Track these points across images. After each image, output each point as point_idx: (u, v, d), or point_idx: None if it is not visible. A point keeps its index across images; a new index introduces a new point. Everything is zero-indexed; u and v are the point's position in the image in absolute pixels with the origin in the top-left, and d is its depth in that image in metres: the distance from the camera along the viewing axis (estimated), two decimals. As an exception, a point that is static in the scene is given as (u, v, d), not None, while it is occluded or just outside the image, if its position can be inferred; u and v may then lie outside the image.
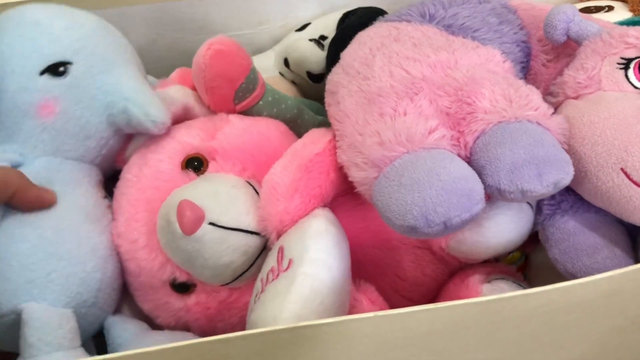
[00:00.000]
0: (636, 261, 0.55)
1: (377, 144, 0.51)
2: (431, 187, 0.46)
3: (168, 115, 0.60)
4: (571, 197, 0.58)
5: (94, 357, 0.38)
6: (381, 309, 0.59)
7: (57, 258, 0.54)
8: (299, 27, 0.80)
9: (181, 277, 0.60)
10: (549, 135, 0.50)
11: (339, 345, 0.40)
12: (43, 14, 0.60)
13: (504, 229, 0.56)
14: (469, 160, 0.52)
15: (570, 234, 0.57)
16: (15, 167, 0.57)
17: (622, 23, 0.64)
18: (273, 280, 0.51)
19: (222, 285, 0.60)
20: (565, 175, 0.48)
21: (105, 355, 0.38)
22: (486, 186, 0.49)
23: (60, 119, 0.58)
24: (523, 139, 0.48)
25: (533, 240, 0.62)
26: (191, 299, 0.62)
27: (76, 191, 0.59)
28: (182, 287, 0.62)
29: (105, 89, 0.60)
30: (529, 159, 0.47)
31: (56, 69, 0.58)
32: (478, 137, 0.51)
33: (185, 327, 0.65)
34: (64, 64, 0.58)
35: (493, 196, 0.50)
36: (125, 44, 0.64)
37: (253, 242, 0.57)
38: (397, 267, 0.64)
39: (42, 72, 0.58)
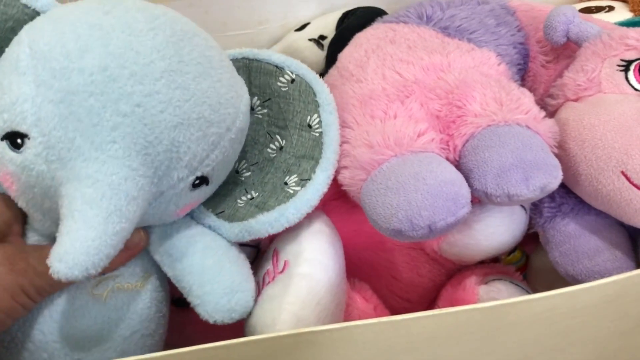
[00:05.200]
0: (637, 263, 0.55)
1: (366, 147, 0.51)
2: (417, 191, 0.46)
3: (80, 269, 0.39)
4: (572, 199, 0.58)
5: None
6: (375, 307, 0.59)
7: None
8: (298, 27, 0.80)
9: (178, 292, 0.60)
10: (537, 139, 0.50)
11: (341, 350, 0.40)
12: (27, 47, 0.44)
13: (495, 231, 0.56)
14: (458, 164, 0.52)
15: (570, 236, 0.57)
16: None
17: (622, 23, 0.64)
18: (269, 282, 0.52)
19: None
20: (552, 180, 0.48)
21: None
22: (474, 190, 0.49)
23: (21, 197, 0.45)
24: (511, 143, 0.48)
25: (534, 241, 0.62)
26: (191, 312, 0.62)
27: None
28: (181, 302, 0.62)
29: (55, 186, 0.43)
30: (516, 163, 0.47)
31: (14, 139, 0.43)
32: (467, 141, 0.52)
33: (187, 339, 0.65)
34: (21, 135, 0.42)
35: (481, 200, 0.50)
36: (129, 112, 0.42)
37: (246, 253, 0.55)
38: (392, 269, 0.64)
39: (2, 138, 0.43)
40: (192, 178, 0.47)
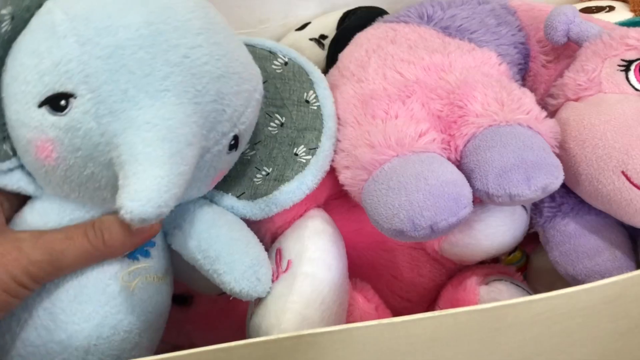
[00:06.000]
0: (637, 263, 0.55)
1: (368, 147, 0.51)
2: (418, 191, 0.47)
3: (153, 205, 0.39)
4: (572, 199, 0.58)
5: None
6: (377, 307, 0.60)
7: None
8: (299, 26, 0.80)
9: (178, 290, 0.60)
10: (539, 139, 0.50)
11: (341, 352, 0.40)
12: (62, 13, 0.44)
13: (496, 231, 0.56)
14: (459, 164, 0.52)
15: (570, 236, 0.57)
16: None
17: (622, 23, 0.64)
18: (273, 282, 0.52)
19: (219, 295, 0.59)
20: (554, 180, 0.48)
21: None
22: (475, 190, 0.49)
23: (60, 165, 0.44)
24: (513, 143, 0.49)
25: (534, 241, 0.62)
26: (191, 310, 0.63)
27: None
28: (181, 299, 0.62)
29: (107, 141, 0.43)
30: (517, 163, 0.47)
31: (56, 102, 0.42)
32: (469, 141, 0.52)
33: (186, 337, 0.66)
34: (66, 96, 0.42)
35: (483, 200, 0.50)
36: (179, 61, 0.44)
37: None
38: (393, 268, 0.64)
39: (41, 104, 0.43)
40: (231, 135, 0.48)
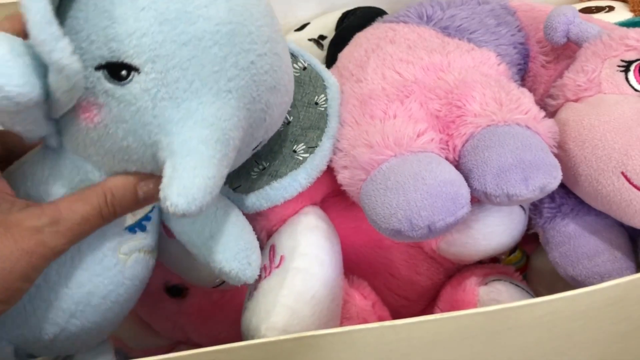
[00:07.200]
0: (637, 264, 0.55)
1: (366, 147, 0.51)
2: (416, 191, 0.46)
3: (197, 205, 0.40)
4: (572, 200, 0.58)
5: None
6: (374, 304, 0.60)
7: None
8: (298, 26, 0.80)
9: (173, 281, 0.60)
10: (537, 139, 0.50)
11: (343, 354, 0.40)
12: None
13: (494, 231, 0.56)
14: (457, 164, 0.52)
15: (570, 237, 0.57)
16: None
17: (622, 24, 0.64)
18: (265, 277, 0.52)
19: (214, 287, 0.60)
20: (552, 180, 0.48)
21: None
22: (473, 190, 0.49)
23: (98, 130, 0.43)
24: (511, 143, 0.48)
25: (535, 241, 0.62)
26: (185, 302, 0.63)
27: None
28: (176, 291, 0.62)
29: (160, 123, 0.42)
30: (515, 163, 0.47)
31: (117, 71, 0.41)
32: (467, 141, 0.52)
33: (181, 330, 0.66)
34: (129, 68, 0.41)
35: (480, 200, 0.50)
36: (251, 65, 0.44)
37: None
38: (391, 266, 0.64)
39: (99, 67, 0.41)
40: (260, 141, 0.49)
